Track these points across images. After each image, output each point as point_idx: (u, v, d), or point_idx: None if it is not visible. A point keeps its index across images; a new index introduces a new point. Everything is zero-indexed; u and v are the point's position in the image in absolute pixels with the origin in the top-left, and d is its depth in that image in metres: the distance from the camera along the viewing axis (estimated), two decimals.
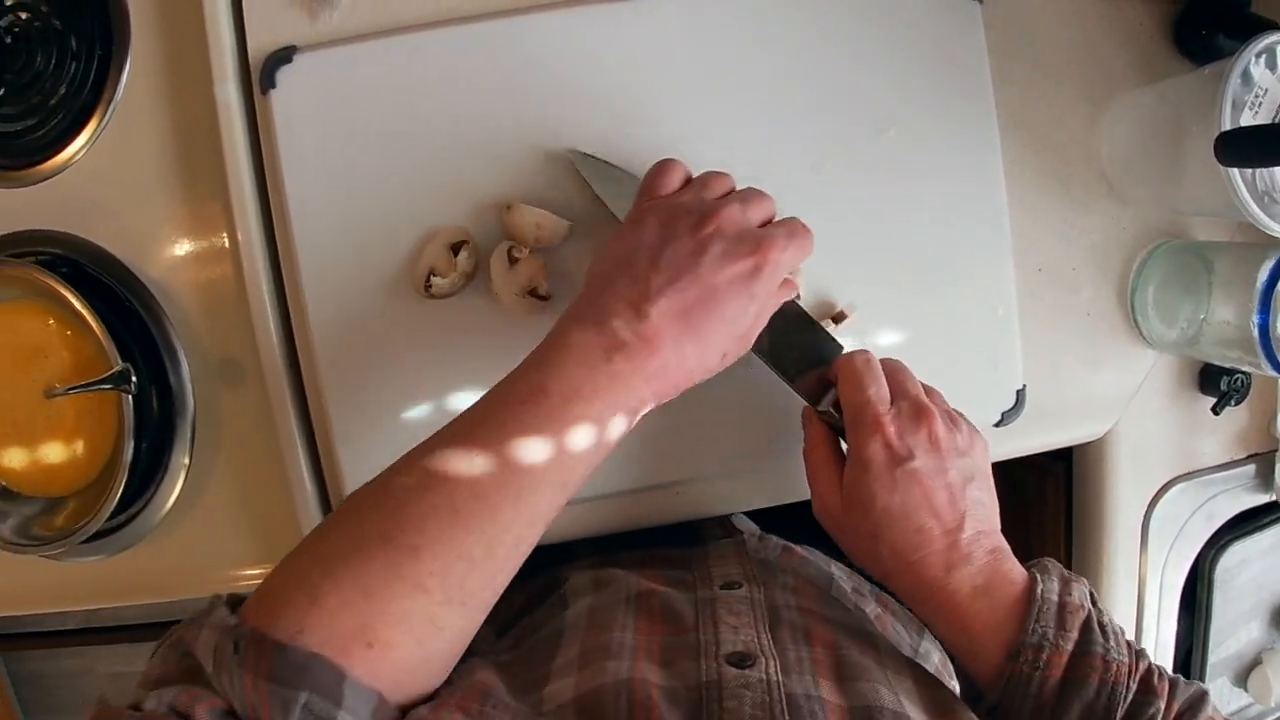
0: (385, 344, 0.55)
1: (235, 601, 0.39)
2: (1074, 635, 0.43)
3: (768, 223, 0.49)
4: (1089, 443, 0.65)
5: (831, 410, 0.51)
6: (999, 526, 0.49)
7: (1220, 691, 0.74)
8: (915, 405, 0.48)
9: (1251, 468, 0.67)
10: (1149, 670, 0.44)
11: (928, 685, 0.44)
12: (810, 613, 0.48)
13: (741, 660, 0.41)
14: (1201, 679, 0.72)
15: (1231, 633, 0.73)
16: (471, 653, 0.53)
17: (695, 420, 0.57)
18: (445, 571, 0.38)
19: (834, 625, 0.47)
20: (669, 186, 0.49)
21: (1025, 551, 0.77)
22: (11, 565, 0.62)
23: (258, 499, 0.61)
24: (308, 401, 0.57)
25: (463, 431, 0.42)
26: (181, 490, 0.60)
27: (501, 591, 0.42)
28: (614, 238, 0.47)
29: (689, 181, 0.50)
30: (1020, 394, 0.59)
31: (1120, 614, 0.67)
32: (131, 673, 1.18)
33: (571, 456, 0.42)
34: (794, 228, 0.48)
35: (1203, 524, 0.67)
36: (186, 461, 0.60)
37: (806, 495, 0.53)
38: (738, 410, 0.57)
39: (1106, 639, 0.43)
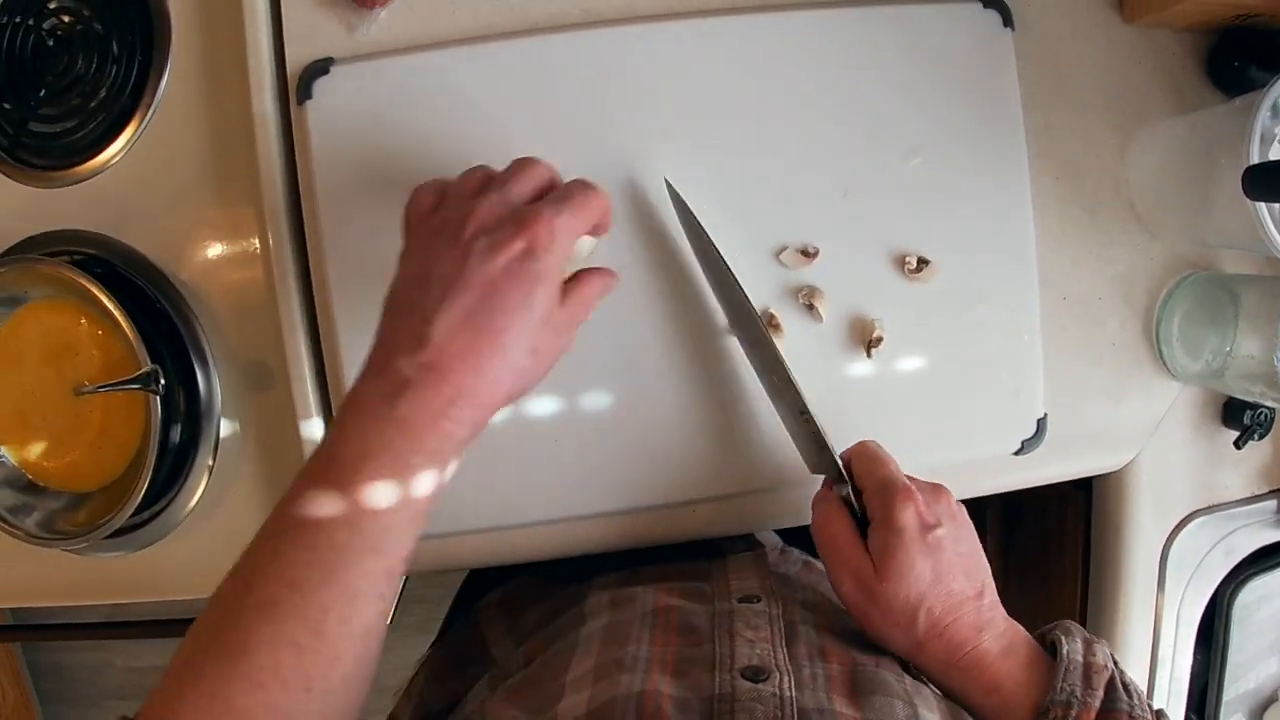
0: None
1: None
2: (1100, 694, 0.44)
3: (547, 190, 0.45)
4: (1110, 473, 0.64)
5: (849, 494, 0.51)
6: None
7: None
8: (929, 485, 0.50)
9: (1273, 503, 0.67)
10: None
11: (946, 702, 0.44)
12: (827, 629, 0.48)
13: (756, 674, 0.41)
14: (1216, 716, 0.71)
15: (1249, 669, 0.72)
16: (492, 663, 0.53)
17: (716, 440, 0.57)
18: (277, 664, 0.38)
19: (851, 642, 0.47)
20: (423, 206, 0.46)
21: (1043, 578, 0.77)
22: (35, 558, 0.63)
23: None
24: (333, 409, 0.58)
25: (274, 516, 0.42)
26: (205, 490, 0.61)
27: (360, 670, 0.41)
28: (392, 285, 0.45)
29: (446, 190, 0.46)
30: (1041, 423, 0.59)
31: (1136, 647, 0.66)
32: (148, 667, 1.19)
33: (376, 521, 0.40)
34: (566, 191, 0.44)
35: (1222, 559, 0.66)
36: (210, 462, 0.60)
37: None
38: (758, 431, 0.57)
39: (1131, 698, 0.44)
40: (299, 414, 0.57)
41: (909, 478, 0.50)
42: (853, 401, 0.57)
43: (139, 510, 0.58)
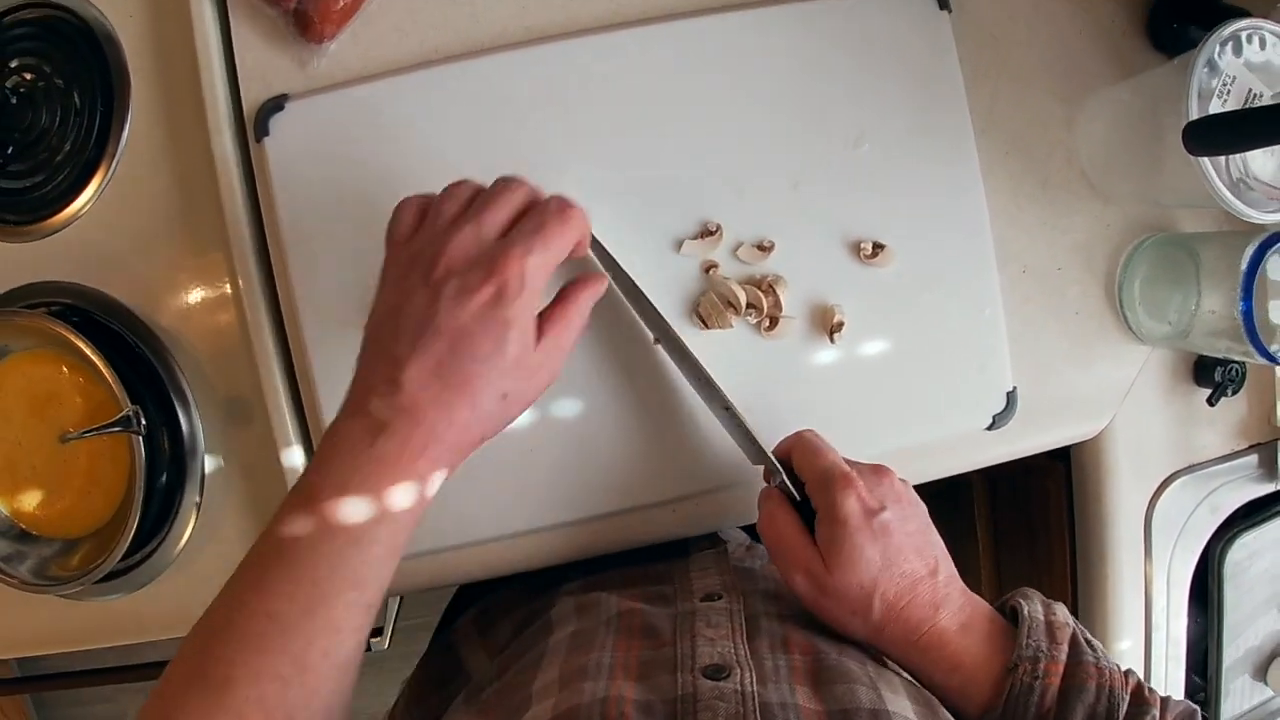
0: None
1: None
2: (1065, 647, 0.45)
3: (521, 216, 0.45)
4: (1086, 441, 0.65)
5: (785, 485, 0.51)
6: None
7: (1241, 689, 0.74)
8: (871, 466, 0.50)
9: (1254, 458, 0.67)
10: (1139, 684, 0.45)
11: (911, 684, 0.45)
12: (789, 619, 0.48)
13: (717, 672, 0.41)
14: (1218, 676, 0.71)
15: (1248, 626, 0.72)
16: (468, 678, 0.54)
17: (668, 446, 0.58)
18: (260, 696, 0.39)
19: (813, 630, 0.47)
20: (403, 228, 0.46)
21: (1030, 551, 0.77)
22: (31, 606, 0.64)
23: None
24: (311, 438, 0.59)
25: (255, 551, 0.42)
26: (195, 527, 0.61)
27: (339, 700, 0.42)
28: (372, 309, 0.46)
29: (427, 210, 0.46)
30: (1011, 396, 0.59)
31: (1128, 612, 0.66)
32: None
33: (357, 555, 0.41)
34: (540, 221, 0.44)
35: (1207, 517, 0.67)
36: (198, 499, 0.61)
37: None
38: (702, 433, 0.57)
39: (1094, 650, 0.45)
40: (279, 444, 0.58)
41: (849, 462, 0.50)
42: (821, 388, 0.57)
43: (131, 551, 0.59)
